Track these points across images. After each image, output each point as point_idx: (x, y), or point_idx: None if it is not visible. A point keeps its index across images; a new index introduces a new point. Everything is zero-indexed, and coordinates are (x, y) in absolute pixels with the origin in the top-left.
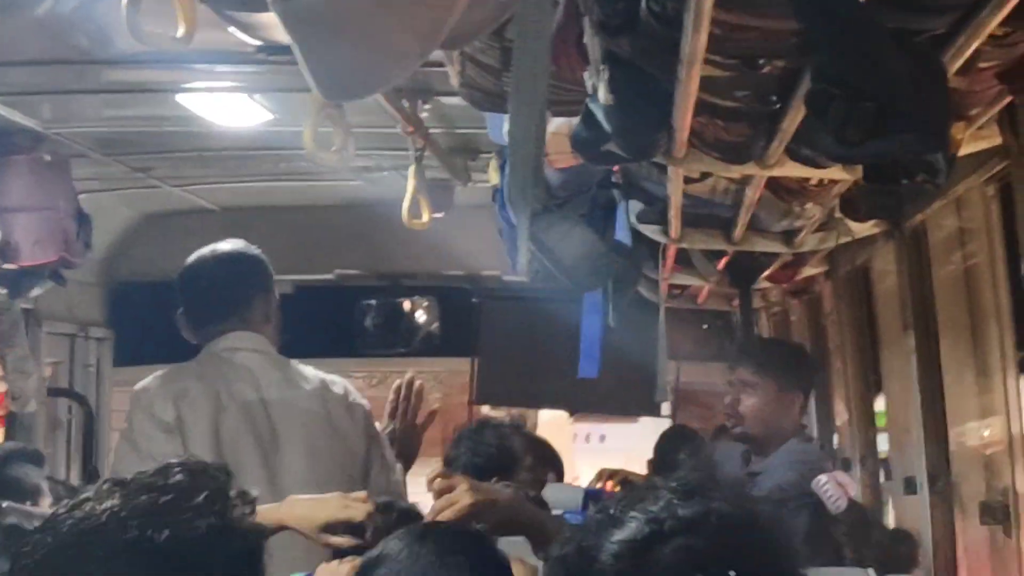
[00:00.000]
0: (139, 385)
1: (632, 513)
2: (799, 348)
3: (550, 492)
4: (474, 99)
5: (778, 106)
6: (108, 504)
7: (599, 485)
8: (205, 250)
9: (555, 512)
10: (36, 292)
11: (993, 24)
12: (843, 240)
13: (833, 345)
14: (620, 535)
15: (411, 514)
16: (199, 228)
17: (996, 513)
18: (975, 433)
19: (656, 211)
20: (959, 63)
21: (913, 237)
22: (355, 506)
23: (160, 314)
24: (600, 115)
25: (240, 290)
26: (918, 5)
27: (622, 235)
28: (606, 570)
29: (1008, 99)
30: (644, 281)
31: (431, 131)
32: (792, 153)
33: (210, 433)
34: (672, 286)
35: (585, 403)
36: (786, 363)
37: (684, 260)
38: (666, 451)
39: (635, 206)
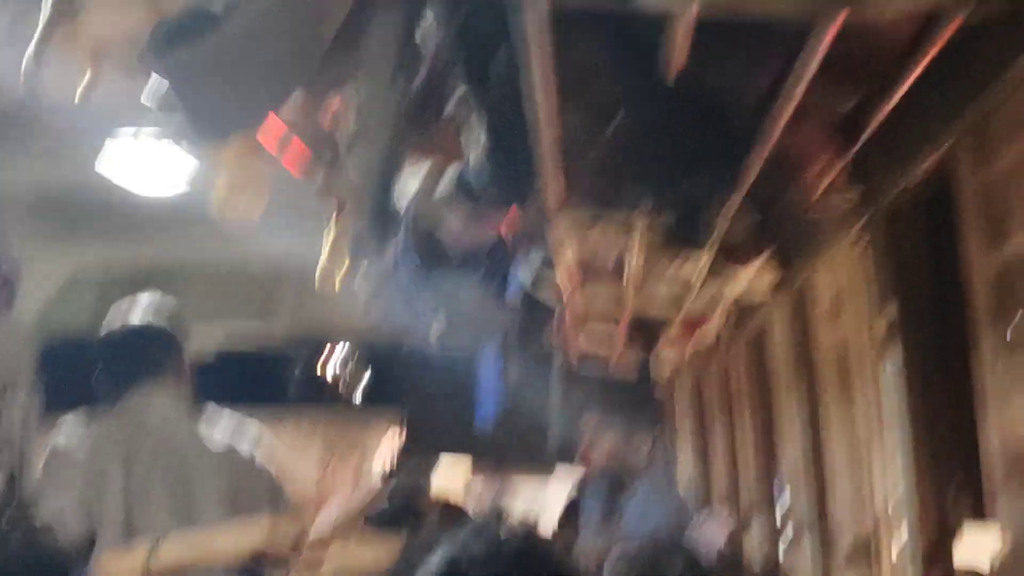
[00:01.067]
0: (56, 429)
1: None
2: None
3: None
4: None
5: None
6: None
7: None
8: (118, 311)
9: None
10: None
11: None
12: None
13: (738, 404)
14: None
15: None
16: (120, 288)
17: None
18: (847, 486)
19: (542, 277)
20: (786, 118)
21: (798, 297)
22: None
23: (83, 369)
24: (479, 160)
25: (148, 355)
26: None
27: (511, 292)
28: None
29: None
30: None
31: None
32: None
33: (121, 478)
34: (584, 355)
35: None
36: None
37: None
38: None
39: (530, 271)
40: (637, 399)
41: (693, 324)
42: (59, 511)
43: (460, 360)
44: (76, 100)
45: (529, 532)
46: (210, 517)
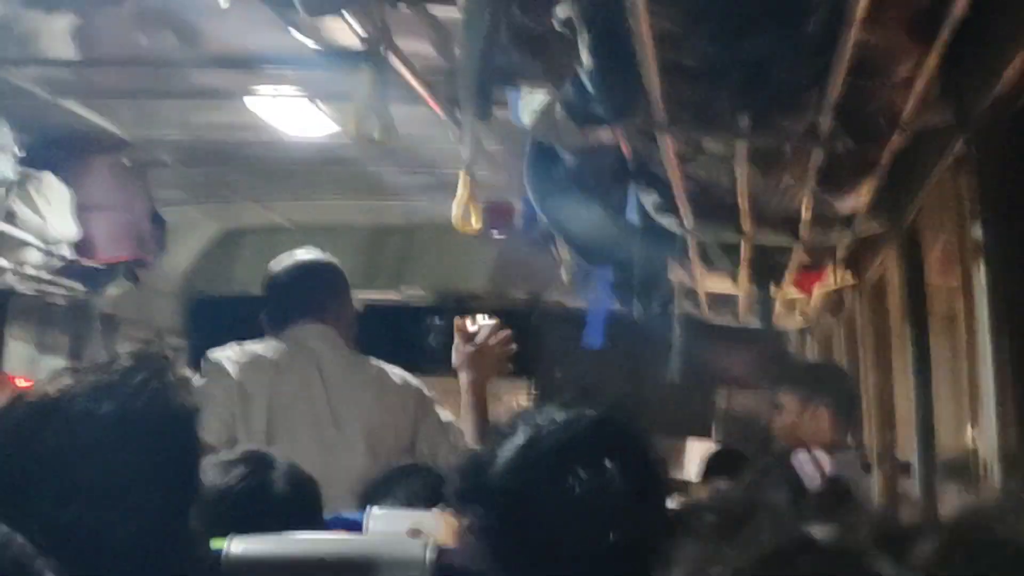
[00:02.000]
0: (211, 352)
1: (518, 425)
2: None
3: None
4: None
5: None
6: (62, 384)
7: None
8: (284, 257)
9: None
10: (112, 292)
11: None
12: (844, 237)
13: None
14: (507, 443)
15: None
16: (274, 245)
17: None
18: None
19: (669, 201)
20: (865, 10)
21: (910, 235)
22: None
23: (233, 327)
24: (585, 78)
25: (313, 291)
26: None
27: (631, 215)
28: (498, 474)
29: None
30: (689, 297)
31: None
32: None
33: (266, 398)
34: (714, 297)
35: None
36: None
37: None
38: (713, 474)
39: (651, 194)
40: (772, 354)
41: (814, 269)
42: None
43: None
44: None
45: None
46: (357, 430)
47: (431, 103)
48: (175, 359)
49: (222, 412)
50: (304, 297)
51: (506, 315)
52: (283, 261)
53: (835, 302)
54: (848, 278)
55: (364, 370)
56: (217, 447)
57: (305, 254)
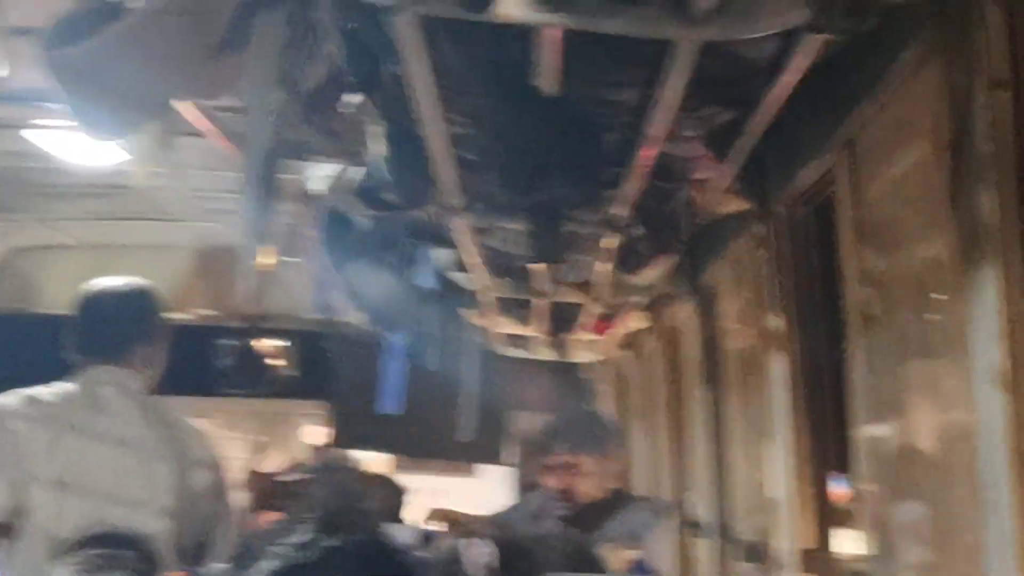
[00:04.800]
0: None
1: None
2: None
3: (388, 531)
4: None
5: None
6: None
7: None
8: (97, 281)
9: None
10: None
11: (674, 100)
12: (639, 298)
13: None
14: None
15: None
16: (62, 264)
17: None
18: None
19: (462, 260)
20: (662, 132)
21: (705, 294)
22: None
23: (24, 344)
24: (380, 165)
25: (115, 327)
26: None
27: (423, 279)
28: None
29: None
30: (481, 332)
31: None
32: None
33: (50, 457)
34: (510, 336)
35: (429, 451)
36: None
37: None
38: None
39: (446, 255)
40: (564, 383)
41: (609, 317)
42: None
43: (379, 349)
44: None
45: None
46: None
47: (221, 142)
48: None
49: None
50: (104, 334)
51: (299, 337)
52: (92, 287)
53: (628, 340)
54: (641, 323)
55: (160, 428)
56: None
57: (112, 281)
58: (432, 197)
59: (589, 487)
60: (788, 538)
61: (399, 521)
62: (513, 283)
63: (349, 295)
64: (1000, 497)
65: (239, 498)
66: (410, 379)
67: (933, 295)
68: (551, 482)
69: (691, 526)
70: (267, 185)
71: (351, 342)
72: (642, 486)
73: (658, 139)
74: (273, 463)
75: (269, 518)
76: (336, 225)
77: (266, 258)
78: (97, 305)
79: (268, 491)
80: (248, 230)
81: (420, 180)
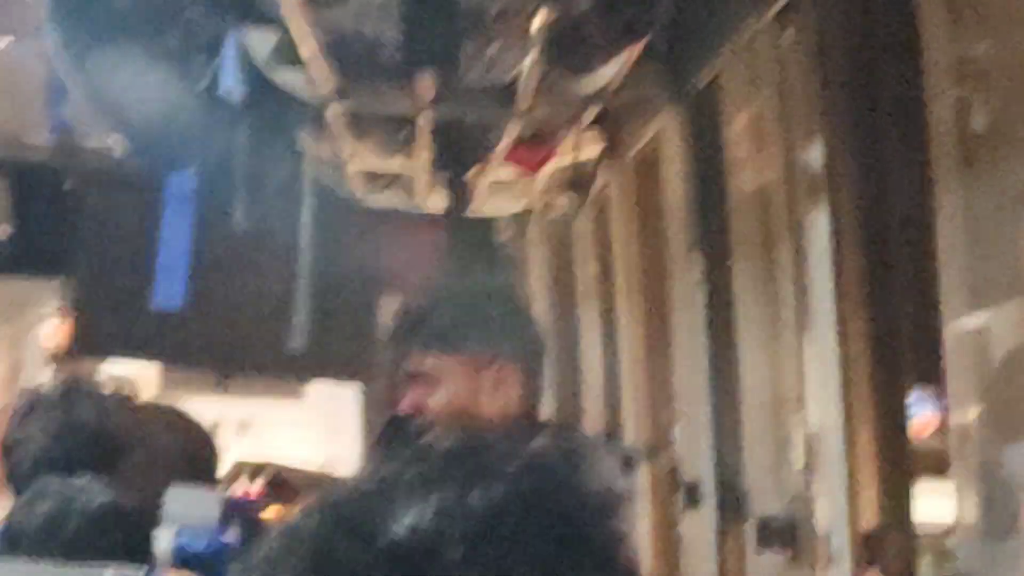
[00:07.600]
0: None
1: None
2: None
3: (172, 500)
4: None
5: None
6: None
7: (242, 491)
8: None
9: (173, 529)
10: None
11: None
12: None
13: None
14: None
15: None
16: None
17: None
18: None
19: (293, 50)
20: None
21: (700, 103)
22: None
23: None
24: None
25: None
26: None
27: (230, 83)
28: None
29: None
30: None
31: None
32: None
33: None
34: (374, 175)
35: (236, 361)
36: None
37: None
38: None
39: (265, 40)
40: (465, 251)
41: (543, 143)
42: None
43: (152, 197)
44: None
45: None
46: None
47: None
48: None
49: None
50: None
51: (16, 173)
52: None
53: (578, 179)
54: (595, 151)
55: None
56: None
57: None
58: None
59: (463, 412)
60: (838, 506)
61: (204, 481)
62: (380, 88)
63: (100, 104)
64: None
65: None
66: (204, 246)
67: None
68: (405, 406)
69: (675, 488)
70: None
71: (105, 184)
72: (592, 419)
73: None
74: None
75: None
76: None
77: None
78: None
79: None
80: None
81: None
